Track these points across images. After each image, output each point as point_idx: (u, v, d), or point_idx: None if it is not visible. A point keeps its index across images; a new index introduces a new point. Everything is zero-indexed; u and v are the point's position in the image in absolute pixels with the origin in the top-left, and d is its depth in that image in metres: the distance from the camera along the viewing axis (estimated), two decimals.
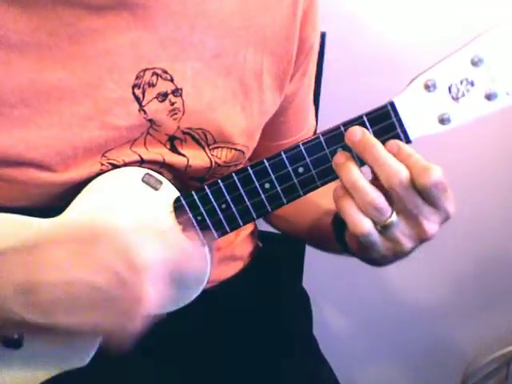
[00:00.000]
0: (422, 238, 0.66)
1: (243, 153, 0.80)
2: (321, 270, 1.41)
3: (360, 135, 0.64)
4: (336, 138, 0.67)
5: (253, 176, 0.69)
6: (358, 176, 0.64)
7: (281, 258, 1.10)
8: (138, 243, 0.62)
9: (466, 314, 1.52)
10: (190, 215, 0.71)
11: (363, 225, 0.64)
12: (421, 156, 0.63)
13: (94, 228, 0.65)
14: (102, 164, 0.72)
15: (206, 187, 0.70)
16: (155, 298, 0.62)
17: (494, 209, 1.39)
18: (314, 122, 0.97)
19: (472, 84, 0.63)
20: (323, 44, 1.06)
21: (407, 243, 0.66)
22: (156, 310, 0.62)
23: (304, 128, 0.93)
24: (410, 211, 0.63)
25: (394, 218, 0.64)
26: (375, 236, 0.65)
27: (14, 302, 0.61)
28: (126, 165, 0.72)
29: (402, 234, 0.65)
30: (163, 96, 0.72)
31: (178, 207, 0.71)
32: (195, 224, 0.71)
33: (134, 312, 0.62)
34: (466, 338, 1.55)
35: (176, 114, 0.73)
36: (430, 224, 0.64)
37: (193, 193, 0.71)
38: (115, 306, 0.62)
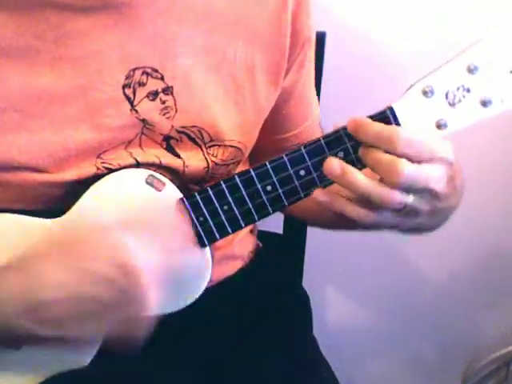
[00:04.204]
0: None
1: (240, 150, 0.80)
2: (321, 270, 1.41)
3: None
4: (336, 141, 0.67)
5: (255, 178, 0.70)
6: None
7: (281, 257, 1.10)
8: (128, 247, 0.63)
9: (466, 314, 1.52)
10: (193, 216, 0.72)
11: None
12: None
13: (82, 238, 0.65)
14: (98, 168, 0.72)
15: (208, 188, 0.71)
16: (155, 298, 0.63)
17: (495, 209, 1.40)
18: (319, 113, 0.96)
19: (468, 91, 0.64)
20: (323, 44, 1.06)
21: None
22: (157, 309, 0.63)
23: (308, 119, 0.92)
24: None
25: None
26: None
27: (23, 321, 0.62)
28: (121, 168, 0.72)
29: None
30: (154, 95, 0.72)
31: (180, 208, 0.72)
32: (197, 225, 0.72)
33: (138, 315, 0.63)
34: (466, 337, 1.55)
35: (168, 112, 0.73)
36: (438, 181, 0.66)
37: (195, 194, 0.71)
38: (119, 313, 0.63)
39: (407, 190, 0.64)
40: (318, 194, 0.67)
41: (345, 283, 1.54)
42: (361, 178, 0.64)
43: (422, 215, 0.68)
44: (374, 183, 0.64)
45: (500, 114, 0.65)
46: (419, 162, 0.63)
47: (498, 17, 1.10)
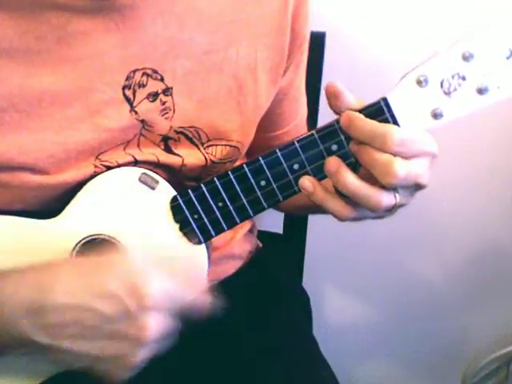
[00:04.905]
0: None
1: (238, 149, 0.80)
2: (321, 270, 1.41)
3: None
4: (330, 134, 0.67)
5: (248, 174, 0.70)
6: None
7: (281, 257, 1.10)
8: (145, 274, 0.63)
9: (466, 314, 1.52)
10: (187, 214, 0.72)
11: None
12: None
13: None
14: (96, 166, 0.72)
15: (202, 185, 0.71)
16: (157, 331, 0.62)
17: (495, 209, 1.39)
18: (306, 109, 0.97)
19: (463, 79, 0.63)
20: (323, 44, 1.06)
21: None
22: (157, 341, 0.63)
23: (297, 116, 0.93)
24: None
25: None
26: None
27: (24, 321, 0.62)
28: (119, 166, 0.73)
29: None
30: (154, 96, 0.72)
31: (174, 206, 0.72)
32: (192, 222, 0.72)
33: (136, 343, 0.63)
34: (466, 337, 1.55)
35: (167, 113, 0.73)
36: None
37: (189, 191, 0.71)
38: (118, 335, 0.63)
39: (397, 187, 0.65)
40: (304, 179, 0.68)
41: (345, 283, 1.54)
42: (353, 181, 0.65)
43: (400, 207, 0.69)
44: (366, 186, 0.65)
45: (500, 110, 0.64)
46: (408, 157, 0.63)
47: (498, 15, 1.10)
